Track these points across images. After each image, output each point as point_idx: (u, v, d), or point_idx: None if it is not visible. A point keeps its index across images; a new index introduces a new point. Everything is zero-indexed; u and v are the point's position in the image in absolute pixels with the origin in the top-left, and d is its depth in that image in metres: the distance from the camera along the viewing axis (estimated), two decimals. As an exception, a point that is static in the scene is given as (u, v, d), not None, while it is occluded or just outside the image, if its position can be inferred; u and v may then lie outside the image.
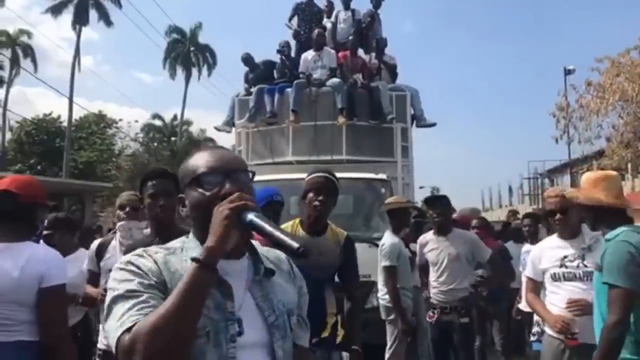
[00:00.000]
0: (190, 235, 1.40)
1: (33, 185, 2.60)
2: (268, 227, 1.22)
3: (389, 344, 5.01)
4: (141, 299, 1.23)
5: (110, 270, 3.41)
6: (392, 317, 4.99)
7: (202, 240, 1.28)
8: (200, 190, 1.34)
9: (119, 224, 3.57)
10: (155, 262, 1.31)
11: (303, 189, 3.26)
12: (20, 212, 2.44)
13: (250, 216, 1.23)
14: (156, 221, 2.91)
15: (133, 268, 1.29)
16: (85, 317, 4.14)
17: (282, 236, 1.21)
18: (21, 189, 2.47)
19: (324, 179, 3.18)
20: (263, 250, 1.45)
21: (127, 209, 3.67)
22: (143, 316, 1.19)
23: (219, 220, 1.22)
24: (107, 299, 1.27)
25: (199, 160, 1.38)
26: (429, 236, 4.94)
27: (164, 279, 1.28)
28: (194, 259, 1.21)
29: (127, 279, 1.27)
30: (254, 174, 1.42)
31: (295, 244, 1.19)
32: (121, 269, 1.30)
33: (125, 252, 2.39)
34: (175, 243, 1.39)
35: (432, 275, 4.81)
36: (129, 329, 1.18)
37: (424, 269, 5.02)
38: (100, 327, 3.46)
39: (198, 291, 1.19)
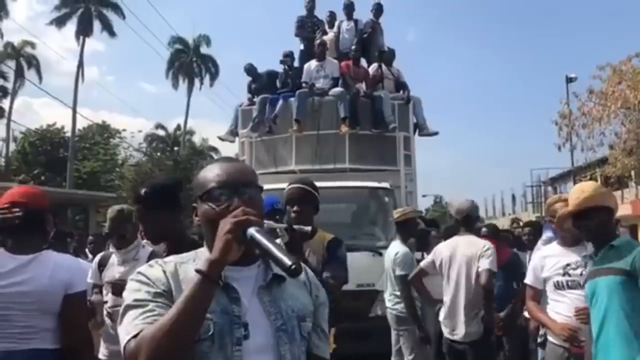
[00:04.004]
0: (204, 246, 1.44)
1: (38, 194, 2.62)
2: (266, 243, 1.26)
3: (405, 356, 4.86)
4: (147, 307, 1.28)
5: (109, 282, 3.44)
6: (404, 327, 4.87)
7: (212, 251, 1.32)
8: (210, 204, 1.38)
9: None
10: (164, 272, 1.36)
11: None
12: (31, 223, 2.46)
13: (251, 231, 1.27)
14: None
15: (142, 278, 1.35)
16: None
17: (277, 252, 1.25)
18: (28, 198, 2.49)
19: (297, 190, 3.19)
20: None
21: (114, 241, 3.64)
22: (148, 324, 1.25)
23: (222, 234, 1.26)
24: (121, 309, 1.33)
25: (210, 174, 1.42)
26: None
27: (170, 288, 1.33)
28: (197, 271, 1.26)
29: (136, 289, 1.33)
30: (261, 188, 1.45)
31: (288, 261, 1.23)
32: (132, 279, 1.36)
33: (147, 260, 2.40)
34: (189, 254, 1.44)
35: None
36: (135, 336, 1.24)
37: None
38: (101, 338, 3.48)
39: (198, 301, 1.24)
